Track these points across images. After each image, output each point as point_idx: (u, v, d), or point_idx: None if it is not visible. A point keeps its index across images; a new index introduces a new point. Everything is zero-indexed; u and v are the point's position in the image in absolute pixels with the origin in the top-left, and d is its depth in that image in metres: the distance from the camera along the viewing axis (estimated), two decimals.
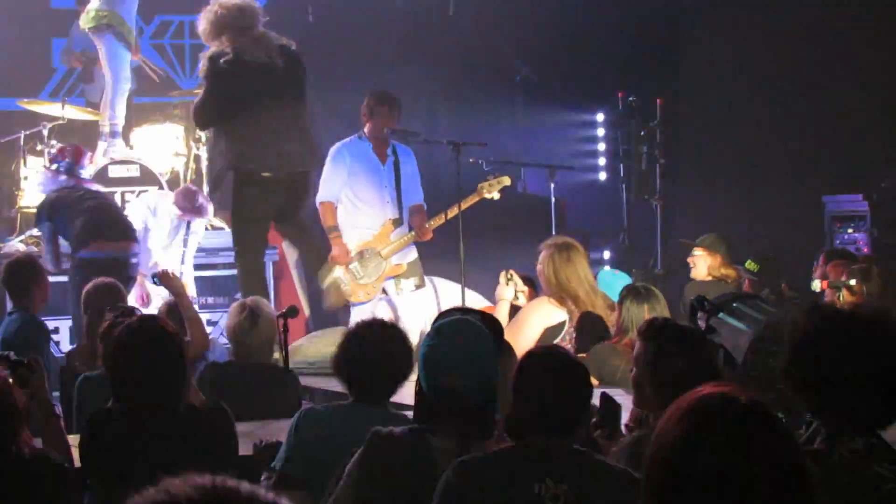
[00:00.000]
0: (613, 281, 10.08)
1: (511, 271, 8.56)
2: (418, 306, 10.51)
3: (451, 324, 4.52)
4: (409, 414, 4.92)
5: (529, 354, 4.40)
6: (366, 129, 10.54)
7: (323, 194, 10.59)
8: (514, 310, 8.55)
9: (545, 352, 4.44)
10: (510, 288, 8.58)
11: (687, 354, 4.76)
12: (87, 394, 6.74)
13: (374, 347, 5.21)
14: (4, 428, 4.49)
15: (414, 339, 10.16)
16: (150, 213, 11.17)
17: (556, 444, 4.09)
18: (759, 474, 2.49)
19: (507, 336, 5.24)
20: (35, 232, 11.73)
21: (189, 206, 11.12)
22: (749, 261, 10.15)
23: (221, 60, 10.08)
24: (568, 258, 8.25)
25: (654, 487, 2.59)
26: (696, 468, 2.53)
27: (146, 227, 11.08)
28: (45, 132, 11.67)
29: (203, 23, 10.24)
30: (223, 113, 10.26)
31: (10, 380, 4.84)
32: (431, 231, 10.33)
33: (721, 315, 5.51)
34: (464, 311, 4.93)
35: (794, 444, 2.63)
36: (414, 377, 4.65)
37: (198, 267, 11.71)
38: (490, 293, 9.84)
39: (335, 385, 5.57)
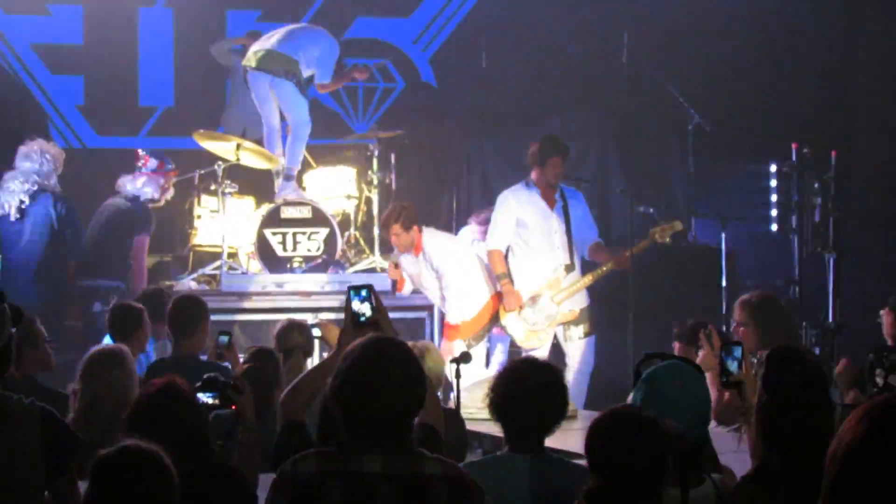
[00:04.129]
0: None
1: (710, 328, 7.45)
2: (586, 353, 10.47)
3: (668, 369, 4.52)
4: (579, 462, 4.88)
5: None
6: (534, 176, 10.57)
7: (491, 242, 10.66)
8: None
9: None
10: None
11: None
12: None
13: (526, 385, 5.09)
14: (198, 439, 4.78)
15: (583, 386, 10.25)
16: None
17: None
18: None
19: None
20: (208, 270, 11.92)
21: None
22: None
23: None
24: (780, 311, 7.54)
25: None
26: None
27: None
28: (220, 171, 11.76)
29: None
30: None
31: (217, 400, 5.13)
32: (629, 258, 10.26)
33: None
34: (662, 356, 4.83)
35: None
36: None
37: None
38: (656, 337, 9.76)
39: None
